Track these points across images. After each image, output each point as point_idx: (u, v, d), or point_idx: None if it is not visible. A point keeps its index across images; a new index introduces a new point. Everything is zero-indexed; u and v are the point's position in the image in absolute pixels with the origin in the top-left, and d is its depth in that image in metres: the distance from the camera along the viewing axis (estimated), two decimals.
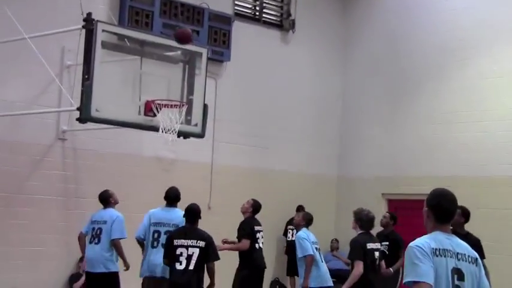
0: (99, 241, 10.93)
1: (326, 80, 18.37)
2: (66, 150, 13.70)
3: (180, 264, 9.03)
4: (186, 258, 9.12)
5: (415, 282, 4.21)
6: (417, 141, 16.96)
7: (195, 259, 9.02)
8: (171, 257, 9.21)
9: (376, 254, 8.88)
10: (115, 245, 10.91)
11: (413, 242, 4.44)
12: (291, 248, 16.83)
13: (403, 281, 4.44)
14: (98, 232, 10.97)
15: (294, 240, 16.65)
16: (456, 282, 4.31)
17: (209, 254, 9.34)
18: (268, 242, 16.90)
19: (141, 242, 11.06)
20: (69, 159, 13.74)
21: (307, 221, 11.23)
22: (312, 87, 18.08)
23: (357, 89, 18.42)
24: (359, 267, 8.82)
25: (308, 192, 17.44)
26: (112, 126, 11.83)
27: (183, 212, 10.31)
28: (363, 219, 9.37)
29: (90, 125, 11.42)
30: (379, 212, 17.27)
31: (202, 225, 14.63)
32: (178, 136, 11.82)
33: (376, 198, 17.38)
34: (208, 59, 12.41)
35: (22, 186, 13.07)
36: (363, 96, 18.22)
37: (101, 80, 10.58)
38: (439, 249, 4.32)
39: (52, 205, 13.27)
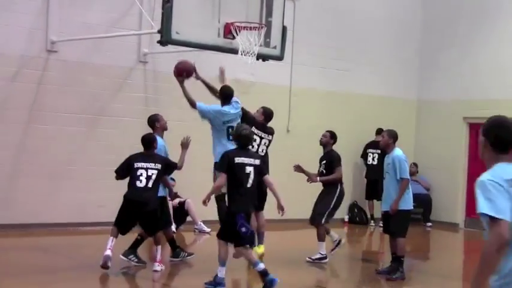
0: None
1: (405, 2, 18.05)
2: (147, 72, 14.01)
3: (140, 182, 9.69)
4: (146, 178, 9.76)
5: (492, 218, 3.92)
6: (498, 64, 16.64)
7: (154, 178, 9.75)
8: (127, 175, 9.95)
9: (248, 168, 8.74)
10: None
11: (483, 175, 4.12)
12: (370, 171, 16.93)
13: (477, 211, 4.08)
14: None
15: (373, 164, 16.84)
16: None
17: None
18: (346, 165, 17.03)
19: None
20: (150, 81, 14.05)
21: (395, 139, 11.04)
22: (391, 10, 17.79)
23: (436, 12, 18.06)
24: (220, 179, 8.95)
25: (387, 116, 17.37)
26: (192, 48, 11.98)
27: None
28: (239, 135, 9.16)
29: (170, 47, 11.60)
30: (461, 135, 17.22)
31: (281, 147, 14.86)
32: (257, 58, 11.88)
33: (457, 122, 17.24)
34: None
35: (105, 108, 13.47)
36: (443, 20, 17.88)
37: (180, 3, 10.69)
38: (511, 179, 4.01)
39: (134, 127, 13.62)
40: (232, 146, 9.85)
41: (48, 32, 12.75)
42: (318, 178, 11.64)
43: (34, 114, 12.64)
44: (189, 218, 13.92)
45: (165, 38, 10.70)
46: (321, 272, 10.52)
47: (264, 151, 11.18)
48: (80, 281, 8.82)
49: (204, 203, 8.80)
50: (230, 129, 10.52)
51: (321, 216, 11.42)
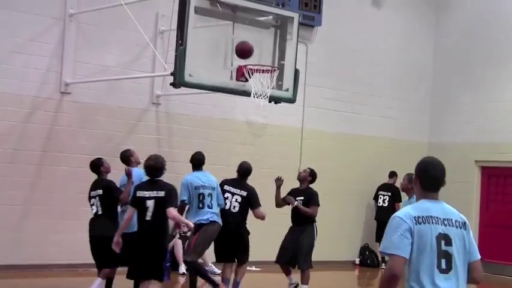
0: None
1: (417, 44, 18.16)
2: (160, 114, 14.11)
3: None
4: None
5: (390, 254, 4.33)
6: (510, 107, 16.66)
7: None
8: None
9: (148, 202, 8.43)
10: None
11: (397, 212, 4.54)
12: (380, 213, 16.88)
13: (379, 249, 4.55)
14: None
15: (383, 206, 16.80)
16: (444, 247, 4.34)
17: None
18: (358, 208, 17.01)
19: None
20: (163, 123, 14.14)
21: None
22: (403, 52, 17.90)
23: (448, 54, 18.14)
24: (127, 213, 8.90)
25: (398, 159, 17.37)
26: (205, 91, 12.06)
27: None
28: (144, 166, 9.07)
29: (183, 89, 11.68)
30: (473, 179, 17.14)
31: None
32: (270, 101, 11.94)
33: (469, 165, 17.19)
34: (300, 23, 12.45)
35: (118, 149, 13.46)
36: (454, 62, 17.94)
37: (194, 46, 10.78)
38: (422, 216, 4.36)
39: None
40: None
41: (63, 73, 12.90)
42: (296, 203, 11.47)
43: (47, 155, 12.71)
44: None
45: (178, 80, 10.78)
46: None
47: (237, 208, 10.93)
48: None
49: (117, 243, 8.78)
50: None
51: (307, 258, 11.34)
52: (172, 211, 8.48)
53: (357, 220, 17.03)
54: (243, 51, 10.83)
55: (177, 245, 13.51)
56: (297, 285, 11.62)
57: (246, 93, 11.41)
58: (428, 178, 4.58)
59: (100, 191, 10.01)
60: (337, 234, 16.45)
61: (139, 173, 10.32)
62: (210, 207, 10.52)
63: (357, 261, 16.85)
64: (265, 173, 15.36)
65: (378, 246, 16.76)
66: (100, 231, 9.79)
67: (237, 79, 11.37)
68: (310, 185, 11.97)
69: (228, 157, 14.74)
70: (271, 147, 15.39)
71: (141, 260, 8.53)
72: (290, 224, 11.85)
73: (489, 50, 17.19)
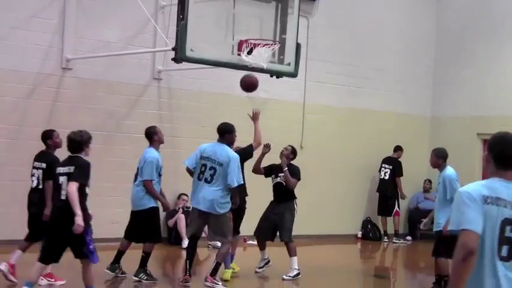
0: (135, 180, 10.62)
1: (420, 19, 18.07)
2: (161, 89, 14.10)
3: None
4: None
5: (461, 230, 3.90)
6: None
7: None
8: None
9: (61, 178, 7.83)
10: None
11: (464, 186, 4.12)
12: (381, 185, 16.93)
13: (448, 228, 4.15)
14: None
15: (384, 179, 16.85)
16: (508, 234, 3.97)
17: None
18: (361, 181, 17.02)
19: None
20: (164, 98, 14.12)
21: (444, 157, 10.69)
22: (405, 26, 17.82)
23: (450, 29, 18.06)
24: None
25: (401, 133, 17.39)
26: (206, 65, 12.04)
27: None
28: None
29: (184, 64, 11.65)
30: (476, 152, 17.15)
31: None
32: (271, 75, 11.94)
33: (471, 138, 17.19)
34: None
35: (119, 125, 13.55)
36: (456, 36, 17.88)
37: (195, 20, 10.74)
38: (491, 197, 3.98)
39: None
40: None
41: (64, 49, 12.86)
42: (285, 171, 11.46)
43: None
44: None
45: (180, 55, 10.75)
46: (326, 284, 10.48)
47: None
48: None
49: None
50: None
51: (290, 231, 11.33)
52: (71, 185, 7.61)
53: (359, 194, 17.06)
54: (249, 84, 10.67)
55: (180, 219, 13.57)
56: (269, 261, 11.56)
57: (248, 68, 11.38)
58: (504, 154, 4.12)
59: (44, 165, 9.40)
60: (339, 208, 16.50)
61: (154, 155, 10.23)
62: (207, 181, 10.16)
63: (359, 234, 16.90)
64: None
65: (380, 219, 16.87)
66: (36, 209, 9.36)
67: (238, 53, 11.35)
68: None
69: None
70: (273, 122, 15.36)
71: (55, 244, 7.91)
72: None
73: (491, 25, 17.12)
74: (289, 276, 11.02)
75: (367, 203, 17.10)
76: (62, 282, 9.40)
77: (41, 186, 9.37)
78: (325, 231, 16.15)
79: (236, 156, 10.10)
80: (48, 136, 9.80)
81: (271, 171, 11.82)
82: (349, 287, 10.90)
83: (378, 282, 11.83)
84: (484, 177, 4.24)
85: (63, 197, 7.72)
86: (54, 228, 7.85)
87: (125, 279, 10.20)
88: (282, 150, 11.82)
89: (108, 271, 10.20)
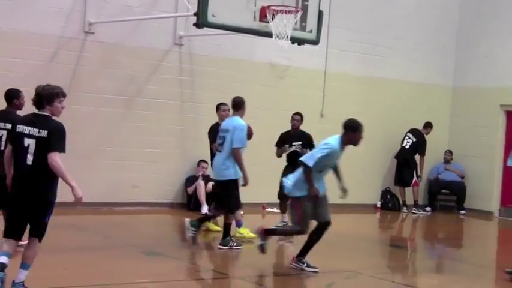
0: (222, 150, 10.36)
1: None
2: (182, 55, 14.07)
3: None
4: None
5: None
6: None
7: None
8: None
9: (27, 140, 6.48)
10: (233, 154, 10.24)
11: None
12: (401, 153, 16.84)
13: None
14: (222, 141, 10.35)
15: (405, 147, 16.80)
16: None
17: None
18: (381, 151, 16.97)
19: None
20: (185, 64, 14.11)
21: None
22: None
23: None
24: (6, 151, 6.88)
25: (422, 102, 17.29)
26: (227, 31, 11.99)
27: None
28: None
29: (206, 30, 11.63)
30: (498, 123, 17.04)
31: (314, 131, 14.85)
32: (293, 42, 11.87)
33: (494, 109, 17.08)
34: None
35: (140, 89, 13.57)
36: (481, 5, 17.66)
37: None
38: None
39: (168, 109, 13.74)
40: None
41: (86, 13, 12.86)
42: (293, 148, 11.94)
43: (71, 95, 12.57)
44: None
45: (201, 20, 10.72)
46: (351, 256, 10.50)
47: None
48: (118, 259, 8.89)
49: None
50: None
51: None
52: (53, 157, 6.44)
53: (379, 164, 17.03)
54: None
55: (200, 186, 13.62)
56: (286, 224, 11.69)
57: (269, 34, 11.33)
58: None
59: (9, 126, 8.44)
60: (359, 178, 16.46)
61: (243, 124, 10.16)
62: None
63: (378, 204, 16.90)
64: (287, 115, 15.37)
65: (398, 189, 16.84)
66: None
67: (260, 20, 11.29)
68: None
69: (250, 99, 14.71)
70: (293, 90, 15.34)
71: (17, 218, 6.65)
72: None
73: None
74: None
75: (387, 173, 17.06)
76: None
77: (2, 149, 8.43)
78: (345, 200, 16.12)
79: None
80: (15, 95, 9.03)
81: (283, 143, 12.15)
82: (365, 255, 10.89)
83: (395, 252, 11.84)
84: (506, 149, 4.19)
85: (28, 162, 6.49)
86: (16, 199, 6.62)
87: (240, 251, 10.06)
88: (294, 121, 12.02)
89: (222, 246, 10.02)
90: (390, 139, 16.92)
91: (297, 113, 12.38)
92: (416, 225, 15.88)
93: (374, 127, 16.69)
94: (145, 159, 12.70)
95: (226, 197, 10.14)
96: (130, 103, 13.42)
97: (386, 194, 17.01)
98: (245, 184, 10.25)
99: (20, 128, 6.58)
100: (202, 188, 13.62)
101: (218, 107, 11.40)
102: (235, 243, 10.16)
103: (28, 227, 6.67)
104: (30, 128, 6.52)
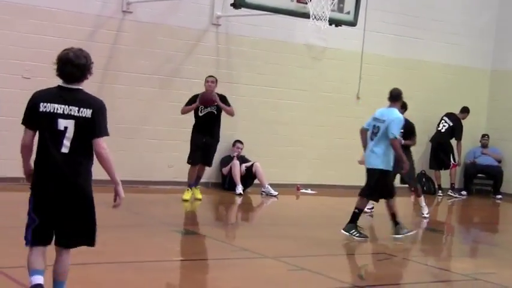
0: (374, 138, 10.01)
1: None
2: (219, 35, 14.07)
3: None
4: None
5: None
6: None
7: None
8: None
9: (61, 122, 5.06)
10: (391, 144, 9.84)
11: None
12: (436, 137, 16.68)
13: None
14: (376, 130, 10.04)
15: (440, 131, 16.64)
16: None
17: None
18: (418, 135, 16.81)
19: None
20: (222, 44, 14.11)
21: None
22: None
23: None
24: (23, 137, 5.19)
25: (459, 85, 17.11)
26: (265, 12, 11.96)
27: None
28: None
29: (243, 10, 11.61)
30: None
31: (351, 114, 14.85)
32: (330, 24, 11.82)
33: None
34: None
35: (177, 69, 13.61)
36: None
37: None
38: None
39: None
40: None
41: None
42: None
43: (108, 74, 12.84)
44: (256, 181, 14.01)
45: (239, 1, 10.72)
46: (385, 239, 10.46)
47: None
48: (153, 237, 8.97)
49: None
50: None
51: None
52: (101, 144, 5.19)
53: (417, 148, 16.87)
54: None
55: (235, 166, 13.68)
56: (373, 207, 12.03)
57: (307, 16, 11.30)
58: None
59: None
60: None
61: (401, 116, 10.01)
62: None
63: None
64: (323, 96, 15.35)
65: (433, 173, 16.72)
66: None
67: (298, 1, 11.26)
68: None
69: (285, 80, 14.74)
70: (330, 71, 15.28)
71: (54, 217, 5.16)
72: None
73: None
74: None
75: (422, 156, 16.91)
76: None
77: None
78: None
79: None
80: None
81: None
82: (402, 240, 10.84)
83: (429, 235, 11.77)
84: None
85: (64, 150, 5.07)
86: (47, 199, 5.13)
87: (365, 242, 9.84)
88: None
89: (345, 232, 9.77)
90: (426, 122, 16.75)
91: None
92: (451, 209, 15.78)
93: (410, 110, 16.57)
94: (181, 139, 12.73)
95: (375, 185, 9.88)
96: (167, 82, 13.47)
97: (421, 178, 16.87)
98: (405, 172, 10.68)
99: (48, 106, 5.10)
100: (237, 168, 13.68)
101: (206, 79, 12.13)
102: (358, 233, 9.79)
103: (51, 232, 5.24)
104: (64, 106, 5.11)
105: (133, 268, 7.20)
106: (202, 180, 12.76)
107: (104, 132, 5.26)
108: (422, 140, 16.85)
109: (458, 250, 10.72)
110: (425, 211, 12.56)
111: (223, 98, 12.13)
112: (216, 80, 12.14)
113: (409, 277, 8.37)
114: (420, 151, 16.94)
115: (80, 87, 5.25)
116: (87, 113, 5.16)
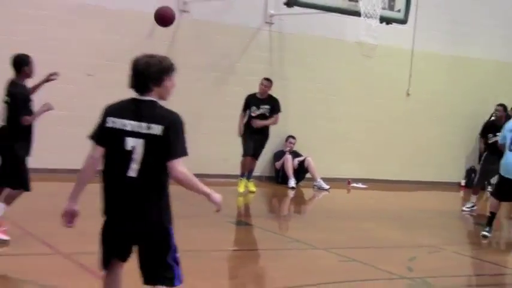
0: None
1: None
2: (272, 33, 14.11)
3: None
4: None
5: None
6: None
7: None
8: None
9: (130, 141, 4.23)
10: None
11: None
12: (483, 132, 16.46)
13: None
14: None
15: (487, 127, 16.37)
16: None
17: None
18: (467, 130, 16.62)
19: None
20: (275, 42, 14.14)
21: None
22: None
23: None
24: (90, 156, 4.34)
25: (507, 81, 16.83)
26: (316, 10, 11.95)
27: None
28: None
29: (296, 9, 11.62)
30: None
31: (399, 112, 14.72)
32: (381, 22, 11.76)
33: None
34: None
35: (232, 66, 13.69)
36: None
37: None
38: None
39: (258, 85, 13.81)
40: None
41: None
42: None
43: None
44: (308, 175, 14.03)
45: None
46: (435, 233, 10.37)
47: None
48: (208, 227, 9.05)
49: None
50: None
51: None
52: (178, 167, 4.35)
53: (464, 142, 16.70)
54: (163, 18, 8.80)
55: (288, 160, 13.74)
56: (474, 205, 12.32)
57: (358, 13, 11.26)
58: None
59: (8, 99, 7.18)
60: (444, 156, 16.26)
61: None
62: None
63: (463, 182, 16.60)
64: (373, 93, 15.26)
65: None
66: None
67: None
68: None
69: (337, 76, 14.70)
70: (381, 68, 15.17)
71: (121, 248, 4.42)
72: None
73: None
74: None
75: (472, 151, 16.70)
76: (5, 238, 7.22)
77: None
78: (429, 178, 15.99)
79: None
80: (25, 62, 7.22)
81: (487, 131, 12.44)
82: (449, 232, 10.74)
83: (478, 230, 11.63)
84: None
85: (132, 174, 4.22)
86: (113, 229, 4.34)
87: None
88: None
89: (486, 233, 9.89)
90: (475, 118, 16.52)
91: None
92: (501, 204, 15.52)
93: (459, 106, 16.40)
94: (235, 134, 12.79)
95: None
96: (222, 79, 13.56)
97: (470, 173, 16.67)
98: None
99: (117, 122, 4.27)
100: (289, 163, 13.73)
101: (261, 81, 12.21)
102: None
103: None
104: (133, 122, 4.25)
105: (189, 257, 7.22)
106: (256, 173, 12.83)
107: (179, 152, 4.38)
108: (471, 136, 16.64)
109: (508, 244, 10.59)
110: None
111: (275, 102, 12.19)
112: (271, 83, 12.19)
113: (456, 270, 8.30)
114: (469, 146, 16.74)
115: (153, 99, 4.38)
116: (157, 130, 4.25)
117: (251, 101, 12.18)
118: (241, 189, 12.05)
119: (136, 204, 4.28)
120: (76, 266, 6.52)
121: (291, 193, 13.30)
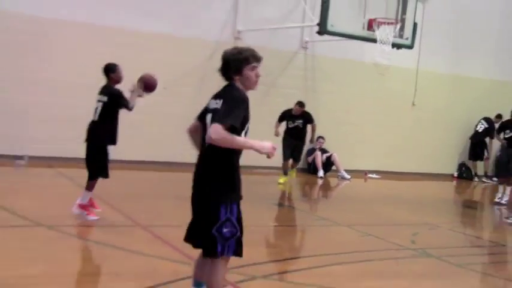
0: None
1: None
2: (307, 56, 14.07)
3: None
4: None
5: None
6: None
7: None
8: None
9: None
10: None
11: None
12: (475, 136, 16.16)
13: None
14: None
15: (478, 131, 16.06)
16: None
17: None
18: (461, 134, 16.35)
19: None
20: (309, 63, 14.09)
21: None
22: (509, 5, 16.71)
23: None
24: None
25: (495, 96, 16.49)
26: (342, 38, 11.87)
27: None
28: None
29: (326, 37, 11.55)
30: None
31: (406, 118, 14.49)
32: (393, 47, 11.63)
33: None
34: None
35: (274, 82, 13.67)
36: None
37: (335, 2, 10.64)
38: None
39: (294, 97, 13.74)
40: None
41: (236, 23, 13.07)
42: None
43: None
44: (333, 168, 13.97)
45: (322, 29, 10.69)
46: (433, 213, 10.21)
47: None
48: (255, 208, 9.03)
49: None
50: None
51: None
52: (213, 127, 3.79)
53: (458, 143, 16.46)
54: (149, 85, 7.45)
55: (317, 156, 13.71)
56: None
57: (374, 40, 11.16)
58: None
59: (105, 98, 7.00)
60: (441, 153, 16.07)
61: None
62: None
63: (455, 174, 16.38)
64: (386, 103, 15.10)
65: (471, 163, 16.25)
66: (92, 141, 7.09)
67: (368, 29, 11.14)
68: None
69: (357, 90, 14.61)
70: (392, 84, 15.02)
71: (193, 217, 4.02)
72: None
73: None
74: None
75: (463, 150, 16.46)
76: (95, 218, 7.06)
77: (96, 119, 7.04)
78: (429, 170, 15.81)
79: None
80: (112, 70, 7.16)
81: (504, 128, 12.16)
82: (444, 213, 10.58)
83: (467, 211, 11.46)
84: None
85: (205, 145, 3.94)
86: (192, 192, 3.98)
87: None
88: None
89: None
90: (467, 125, 16.30)
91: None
92: (485, 191, 15.27)
93: (457, 116, 16.16)
94: (269, 136, 12.73)
95: None
96: (266, 92, 13.53)
97: (461, 167, 16.46)
98: None
99: (209, 102, 4.05)
100: (319, 158, 13.69)
101: (295, 104, 11.84)
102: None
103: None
104: (212, 100, 4.02)
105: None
106: None
107: (219, 118, 3.74)
108: (463, 138, 16.41)
109: (490, 223, 10.42)
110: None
111: (308, 115, 11.99)
112: (303, 106, 11.90)
113: (449, 243, 8.18)
114: (461, 146, 16.51)
115: (232, 83, 4.02)
116: (218, 104, 3.88)
117: (286, 115, 12.00)
118: (281, 180, 11.98)
119: (202, 173, 3.88)
120: (153, 237, 6.56)
121: (320, 182, 13.23)
